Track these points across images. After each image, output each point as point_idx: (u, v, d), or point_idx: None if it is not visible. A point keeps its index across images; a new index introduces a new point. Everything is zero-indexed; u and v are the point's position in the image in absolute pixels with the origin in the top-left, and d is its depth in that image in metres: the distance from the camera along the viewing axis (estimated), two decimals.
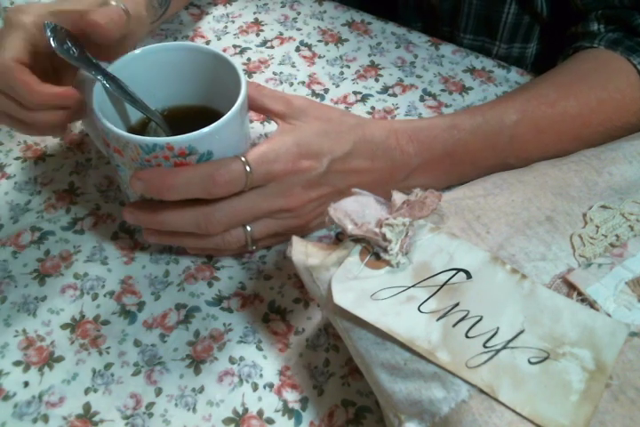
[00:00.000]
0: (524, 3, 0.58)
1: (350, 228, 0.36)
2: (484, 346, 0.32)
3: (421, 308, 0.34)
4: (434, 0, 0.63)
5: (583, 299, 0.34)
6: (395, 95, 0.58)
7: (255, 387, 0.41)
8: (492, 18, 0.60)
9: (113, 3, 0.42)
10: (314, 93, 0.58)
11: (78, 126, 0.55)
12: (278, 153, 0.40)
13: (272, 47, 0.63)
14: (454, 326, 0.33)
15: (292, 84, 0.59)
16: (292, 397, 0.40)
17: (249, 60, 0.62)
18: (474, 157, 0.47)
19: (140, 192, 0.41)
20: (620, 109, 0.48)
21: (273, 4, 0.67)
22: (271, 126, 0.56)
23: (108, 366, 0.42)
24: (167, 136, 0.39)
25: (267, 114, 0.45)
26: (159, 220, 0.41)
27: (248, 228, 0.43)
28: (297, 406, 0.40)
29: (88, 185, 0.52)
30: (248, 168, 0.39)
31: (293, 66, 0.61)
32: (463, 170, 0.47)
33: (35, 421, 0.39)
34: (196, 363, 0.42)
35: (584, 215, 0.37)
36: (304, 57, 0.62)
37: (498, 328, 0.33)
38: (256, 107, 0.45)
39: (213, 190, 0.39)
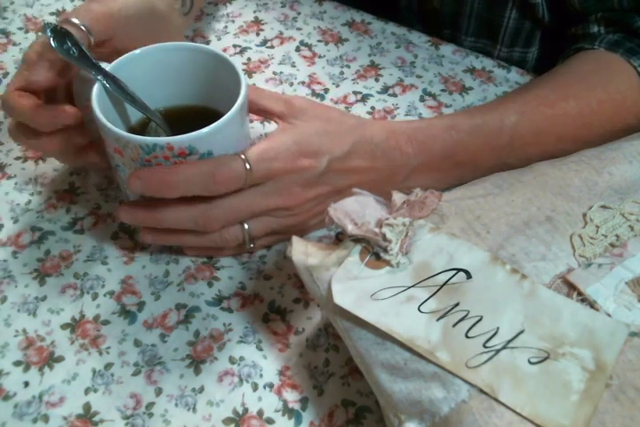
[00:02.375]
0: (525, 9, 0.58)
1: (350, 228, 0.36)
2: (484, 346, 0.32)
3: (421, 308, 0.34)
4: (435, 3, 0.63)
5: (583, 299, 0.34)
6: (395, 95, 0.58)
7: (255, 387, 0.41)
8: (494, 21, 0.60)
9: (74, 20, 0.42)
10: (314, 93, 0.58)
11: None
12: (278, 151, 0.40)
13: (272, 47, 0.63)
14: (454, 326, 0.33)
15: (292, 84, 0.59)
16: (291, 397, 0.40)
17: (249, 59, 0.62)
18: (473, 157, 0.47)
19: (138, 191, 0.40)
20: (621, 111, 0.48)
21: (273, 4, 0.67)
22: (271, 126, 0.56)
23: (108, 366, 0.42)
24: (167, 136, 0.39)
25: (267, 116, 0.45)
26: (157, 217, 0.41)
27: (246, 225, 0.43)
28: (297, 406, 0.40)
29: (88, 185, 0.51)
30: (248, 166, 0.39)
31: (293, 66, 0.61)
32: (463, 171, 0.47)
33: (35, 421, 0.39)
34: (196, 363, 0.42)
35: (584, 215, 0.37)
36: (304, 57, 0.62)
37: (498, 328, 0.33)
38: (256, 109, 0.45)
39: (213, 188, 0.39)
